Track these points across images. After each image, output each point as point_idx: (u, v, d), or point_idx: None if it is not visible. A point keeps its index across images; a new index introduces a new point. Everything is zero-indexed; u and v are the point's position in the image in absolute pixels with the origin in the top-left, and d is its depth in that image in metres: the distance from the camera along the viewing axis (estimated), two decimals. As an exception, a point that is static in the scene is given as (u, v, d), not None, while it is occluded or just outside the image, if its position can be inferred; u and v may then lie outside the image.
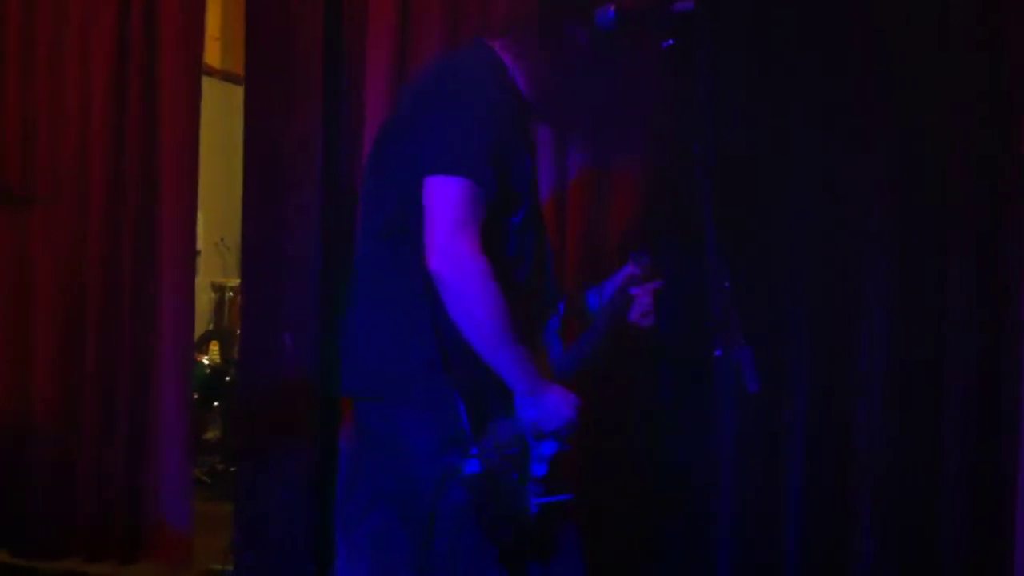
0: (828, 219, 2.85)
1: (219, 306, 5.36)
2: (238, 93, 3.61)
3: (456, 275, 1.82)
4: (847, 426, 2.83)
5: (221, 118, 4.69)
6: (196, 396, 4.61)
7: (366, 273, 2.03)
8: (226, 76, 5.61)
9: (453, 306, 1.84)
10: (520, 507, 1.93)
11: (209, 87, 3.94)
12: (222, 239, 5.61)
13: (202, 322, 5.12)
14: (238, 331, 3.86)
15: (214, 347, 5.13)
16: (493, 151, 1.86)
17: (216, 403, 5.04)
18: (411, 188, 1.88)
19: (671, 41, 1.85)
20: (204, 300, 5.26)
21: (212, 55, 5.57)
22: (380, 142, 2.07)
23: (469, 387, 1.88)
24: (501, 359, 1.88)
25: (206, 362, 5.05)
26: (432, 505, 1.87)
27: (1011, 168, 2.67)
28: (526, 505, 1.93)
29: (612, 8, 1.90)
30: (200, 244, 4.42)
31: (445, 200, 1.83)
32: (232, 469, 4.51)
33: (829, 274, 2.85)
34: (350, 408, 2.69)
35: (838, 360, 2.85)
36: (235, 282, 4.99)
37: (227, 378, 4.97)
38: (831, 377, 2.86)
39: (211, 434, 5.09)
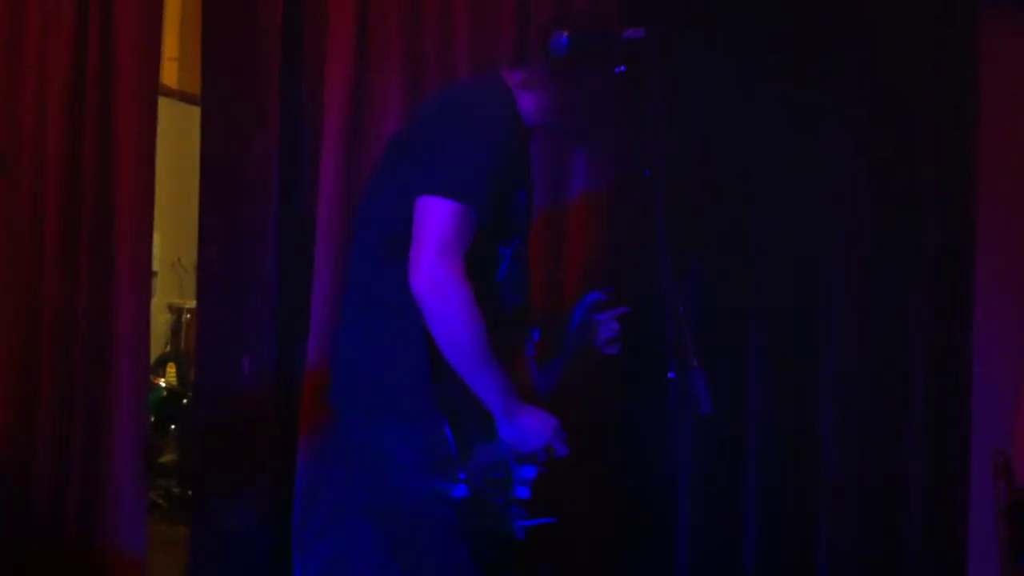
0: (791, 234, 2.89)
1: (176, 328, 5.31)
2: (195, 114, 3.59)
3: (438, 298, 1.84)
4: (808, 440, 2.86)
5: (178, 138, 4.67)
6: (152, 419, 4.56)
7: (362, 287, 2.04)
8: (183, 97, 5.59)
9: (435, 327, 1.87)
10: (506, 530, 1.96)
11: (166, 107, 3.92)
12: (179, 259, 5.58)
13: (158, 344, 5.07)
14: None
15: (171, 369, 5.09)
16: (493, 178, 1.89)
17: (173, 426, 5.00)
18: (411, 206, 1.89)
19: (623, 68, 1.88)
20: (161, 322, 5.21)
21: (169, 75, 5.55)
22: (386, 159, 2.08)
23: (455, 409, 1.90)
24: (479, 381, 1.91)
25: (163, 384, 5.00)
26: (416, 522, 1.90)
27: (969, 181, 2.72)
28: (512, 528, 1.96)
29: (565, 34, 1.93)
30: (156, 265, 4.39)
31: (436, 222, 1.85)
32: (188, 492, 4.47)
33: (792, 288, 2.89)
34: (312, 425, 2.69)
35: (800, 373, 2.88)
36: (192, 304, 4.95)
37: (184, 401, 4.93)
38: (793, 390, 2.89)
39: (167, 457, 5.04)
